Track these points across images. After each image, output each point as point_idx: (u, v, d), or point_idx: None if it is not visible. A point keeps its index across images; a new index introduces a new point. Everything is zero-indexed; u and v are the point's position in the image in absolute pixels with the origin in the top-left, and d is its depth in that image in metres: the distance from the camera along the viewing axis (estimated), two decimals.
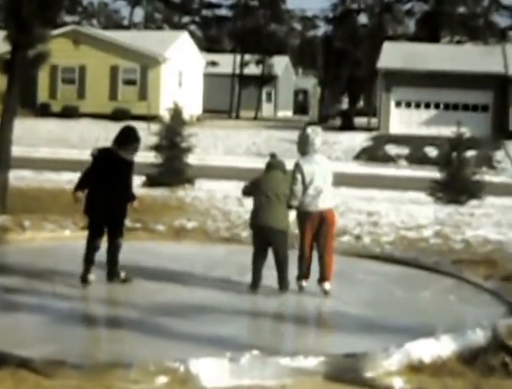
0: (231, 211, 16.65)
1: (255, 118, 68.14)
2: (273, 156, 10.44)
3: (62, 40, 51.13)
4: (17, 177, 18.51)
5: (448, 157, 21.54)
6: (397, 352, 7.19)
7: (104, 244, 10.19)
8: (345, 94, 77.70)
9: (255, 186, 10.08)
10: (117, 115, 53.11)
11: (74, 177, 22.99)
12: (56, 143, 38.05)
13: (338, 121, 61.53)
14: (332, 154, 38.91)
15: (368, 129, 54.77)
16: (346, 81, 69.53)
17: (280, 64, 77.94)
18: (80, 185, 10.04)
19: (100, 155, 10.02)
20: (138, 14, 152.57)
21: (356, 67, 67.02)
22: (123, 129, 10.13)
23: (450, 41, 69.24)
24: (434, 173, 21.32)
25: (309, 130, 10.30)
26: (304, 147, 10.19)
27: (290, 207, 10.06)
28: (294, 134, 41.55)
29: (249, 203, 10.93)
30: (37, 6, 14.83)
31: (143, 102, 52.74)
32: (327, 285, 10.03)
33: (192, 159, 23.27)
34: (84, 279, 9.92)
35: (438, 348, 7.44)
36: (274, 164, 10.24)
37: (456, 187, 20.47)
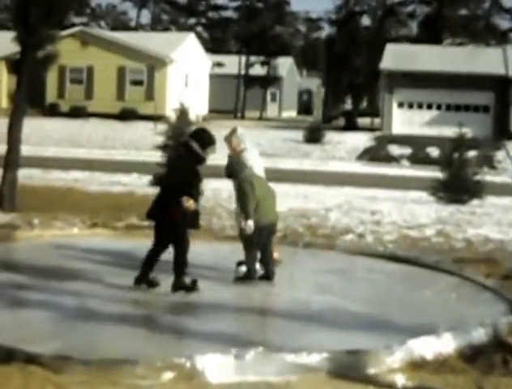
0: None
1: (260, 118, 68.23)
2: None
3: (70, 41, 51.34)
4: (26, 176, 18.62)
5: (450, 157, 21.57)
6: (399, 350, 7.28)
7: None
8: (348, 95, 77.68)
9: (253, 193, 10.29)
10: (124, 115, 53.31)
11: (82, 175, 23.15)
12: (64, 143, 38.16)
13: (341, 122, 61.60)
14: (336, 154, 38.99)
15: (371, 129, 54.85)
16: (349, 82, 69.52)
17: (285, 65, 77.96)
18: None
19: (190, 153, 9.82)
20: (145, 15, 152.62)
21: (359, 69, 67.04)
22: (206, 132, 10.03)
23: (452, 43, 69.21)
24: (436, 173, 21.36)
25: (239, 129, 11.15)
26: (244, 143, 10.93)
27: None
28: (299, 134, 41.59)
29: None
30: (45, 7, 14.95)
31: (150, 102, 52.87)
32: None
33: None
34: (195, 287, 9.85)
35: (440, 345, 7.52)
36: (242, 163, 10.66)
37: (457, 187, 20.50)
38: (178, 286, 9.69)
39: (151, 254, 9.91)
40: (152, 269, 9.87)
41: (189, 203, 9.49)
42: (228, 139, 10.94)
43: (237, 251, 12.31)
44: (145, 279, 9.81)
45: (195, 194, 9.69)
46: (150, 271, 9.85)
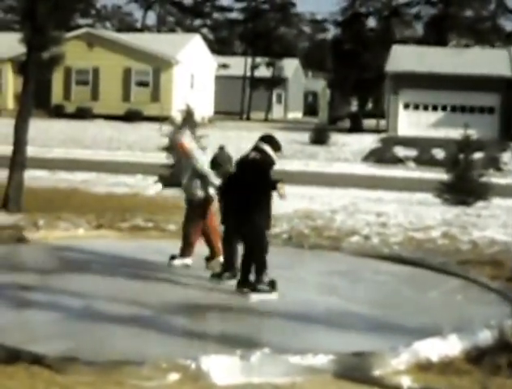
0: None
1: (266, 120, 68.30)
2: (222, 148, 11.13)
3: (76, 42, 51.49)
4: (31, 177, 18.62)
5: (455, 159, 21.54)
6: (405, 351, 7.29)
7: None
8: (354, 96, 77.67)
9: None
10: (129, 116, 53.39)
11: (87, 176, 23.17)
12: (69, 144, 38.18)
13: (347, 123, 61.59)
14: (341, 155, 38.97)
15: (376, 131, 54.87)
16: (354, 83, 69.53)
17: (290, 66, 78.02)
18: None
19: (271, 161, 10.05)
20: (151, 17, 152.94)
21: (365, 70, 67.01)
22: (275, 137, 10.28)
23: (458, 45, 69.19)
24: (442, 175, 21.35)
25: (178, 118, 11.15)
26: (191, 140, 11.23)
27: None
28: (304, 136, 41.49)
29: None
30: (51, 8, 14.97)
31: (156, 104, 52.95)
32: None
33: None
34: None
35: (445, 347, 7.53)
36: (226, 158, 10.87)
37: (463, 189, 20.46)
38: (257, 285, 9.75)
39: (244, 257, 10.03)
40: (251, 271, 9.96)
41: (283, 190, 9.65)
42: (176, 139, 11.08)
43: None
44: (247, 282, 9.94)
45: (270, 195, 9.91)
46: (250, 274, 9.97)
